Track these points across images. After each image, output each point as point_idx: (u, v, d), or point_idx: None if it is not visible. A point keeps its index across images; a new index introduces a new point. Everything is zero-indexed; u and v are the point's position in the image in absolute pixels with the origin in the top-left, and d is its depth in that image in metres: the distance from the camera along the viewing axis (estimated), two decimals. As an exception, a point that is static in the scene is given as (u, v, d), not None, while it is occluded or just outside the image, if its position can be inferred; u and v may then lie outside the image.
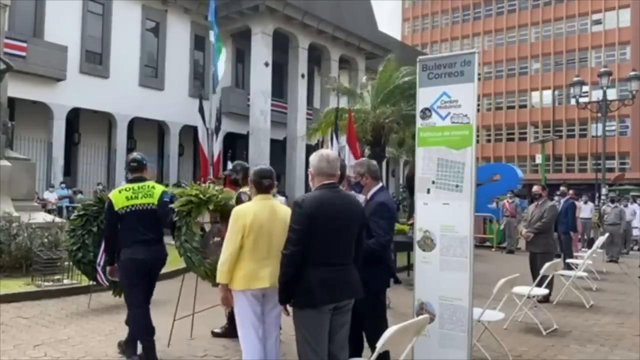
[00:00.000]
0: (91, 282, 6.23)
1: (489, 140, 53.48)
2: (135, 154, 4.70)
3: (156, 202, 4.36)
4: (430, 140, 3.92)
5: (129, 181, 4.53)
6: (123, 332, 5.25)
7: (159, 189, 4.48)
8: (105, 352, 4.62)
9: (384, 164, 20.86)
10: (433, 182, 3.87)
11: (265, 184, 3.40)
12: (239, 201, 4.77)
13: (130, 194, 4.33)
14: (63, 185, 17.72)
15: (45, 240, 7.62)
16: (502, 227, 15.54)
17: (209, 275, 4.60)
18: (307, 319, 2.93)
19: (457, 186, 3.76)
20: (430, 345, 3.76)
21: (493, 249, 14.93)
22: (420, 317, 3.14)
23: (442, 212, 3.81)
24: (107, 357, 4.52)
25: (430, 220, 3.87)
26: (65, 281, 6.95)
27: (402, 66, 16.78)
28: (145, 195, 4.35)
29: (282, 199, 9.38)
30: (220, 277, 3.27)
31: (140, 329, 4.25)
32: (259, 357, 3.28)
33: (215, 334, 5.30)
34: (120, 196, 4.31)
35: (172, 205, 4.54)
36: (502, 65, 53.83)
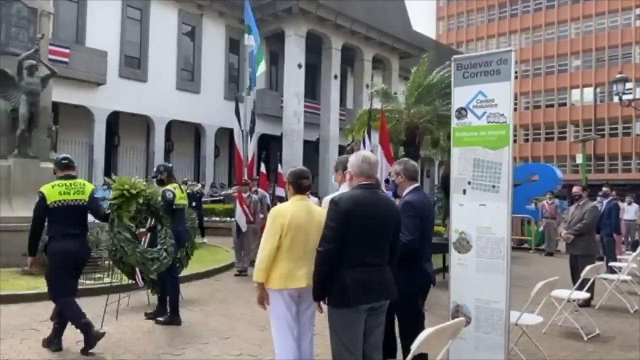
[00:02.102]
0: (130, 281, 6.40)
1: (526, 140, 52.22)
2: (64, 154, 5.05)
3: (87, 199, 4.65)
4: (466, 140, 3.87)
5: (59, 178, 4.74)
6: (161, 330, 5.39)
7: (90, 186, 4.78)
8: (144, 349, 4.73)
9: (418, 164, 20.65)
10: (469, 183, 3.82)
11: (304, 184, 3.44)
12: (164, 197, 5.64)
13: (63, 189, 4.57)
14: (105, 187, 18.25)
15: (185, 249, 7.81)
16: (541, 228, 15.16)
17: (140, 263, 5.15)
18: (342, 319, 2.93)
19: (493, 187, 3.70)
20: (466, 348, 3.70)
21: (531, 251, 14.57)
22: (456, 319, 3.10)
23: (479, 213, 3.75)
24: (146, 353, 4.63)
25: (466, 222, 3.81)
26: (106, 279, 7.14)
27: (437, 65, 16.57)
28: (77, 192, 4.62)
29: (315, 199, 9.43)
30: (257, 277, 3.30)
31: (76, 315, 4.46)
32: (293, 357, 3.30)
33: (158, 322, 5.64)
34: (54, 191, 4.54)
35: (107, 198, 4.95)
36: (540, 63, 52.48)
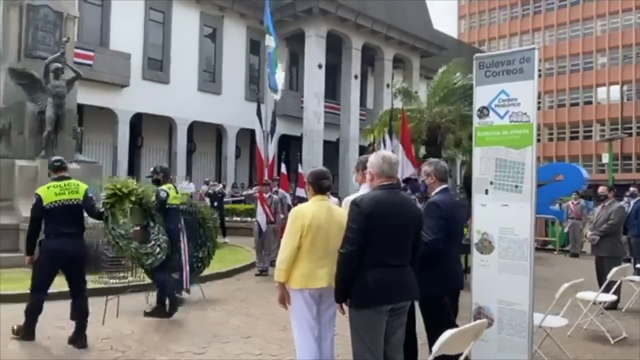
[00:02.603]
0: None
1: (551, 139, 51.34)
2: (57, 156, 5.29)
3: (81, 198, 4.85)
4: (488, 140, 3.82)
5: (53, 179, 4.92)
6: (184, 329, 5.46)
7: (83, 186, 4.96)
8: (167, 348, 4.80)
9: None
10: (491, 183, 3.77)
11: (324, 185, 3.45)
12: (158, 196, 5.96)
13: (58, 190, 4.77)
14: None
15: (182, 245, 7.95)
16: (566, 229, 14.87)
17: (135, 257, 5.53)
18: (363, 320, 2.93)
19: (516, 187, 3.65)
20: (488, 350, 3.66)
21: (555, 252, 14.32)
22: (479, 321, 3.07)
23: (501, 214, 3.70)
24: (169, 351, 4.69)
25: (489, 222, 3.77)
26: (130, 279, 7.27)
27: (459, 64, 16.41)
28: (72, 191, 4.83)
29: (335, 200, 9.42)
30: (278, 276, 3.32)
31: (36, 311, 4.70)
32: (314, 357, 3.30)
33: (146, 314, 5.83)
34: (49, 192, 4.74)
35: (102, 197, 5.33)
36: (564, 61, 51.55)
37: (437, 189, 3.81)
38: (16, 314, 4.95)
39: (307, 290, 3.29)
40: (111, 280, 6.98)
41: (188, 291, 6.67)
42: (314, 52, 22.10)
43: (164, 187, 6.18)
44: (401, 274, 2.99)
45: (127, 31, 19.05)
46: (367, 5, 22.83)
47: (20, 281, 6.07)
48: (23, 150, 9.79)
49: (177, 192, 6.41)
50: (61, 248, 4.64)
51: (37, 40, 10.24)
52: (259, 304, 6.80)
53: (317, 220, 3.28)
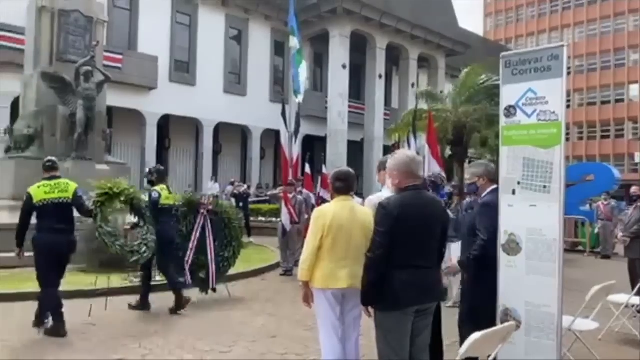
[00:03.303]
0: (180, 279, 6.58)
1: (580, 138, 50.17)
2: (49, 157, 5.58)
3: (71, 197, 5.13)
4: (515, 139, 3.76)
5: (44, 179, 5.20)
6: (210, 327, 5.52)
7: (73, 185, 5.23)
8: (193, 345, 4.87)
9: (466, 164, 20.24)
10: (518, 183, 3.71)
11: (336, 186, 3.45)
12: (150, 197, 6.19)
13: (48, 189, 5.07)
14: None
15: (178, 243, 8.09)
16: (597, 230, 14.51)
17: (119, 253, 5.74)
18: (389, 321, 2.92)
19: (544, 187, 3.58)
20: (516, 353, 3.60)
21: (586, 254, 13.98)
22: (506, 324, 3.03)
23: (529, 214, 3.63)
24: (195, 349, 4.76)
25: (516, 223, 3.70)
26: (158, 278, 7.37)
27: (482, 66, 16.18)
28: (62, 190, 5.11)
29: (359, 200, 9.39)
30: (301, 276, 3.35)
31: (53, 305, 4.98)
32: (338, 358, 3.31)
33: (131, 307, 6.12)
34: (39, 191, 5.04)
35: (91, 196, 5.61)
36: (595, 58, 50.28)
37: (488, 190, 3.87)
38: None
39: (329, 291, 3.30)
40: (136, 280, 7.10)
41: (214, 290, 6.76)
42: (338, 53, 22.10)
43: (156, 187, 6.34)
44: (427, 276, 2.99)
45: (154, 34, 19.39)
46: (391, 5, 22.72)
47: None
48: (55, 151, 10.01)
49: (170, 193, 6.55)
50: (52, 242, 4.97)
51: (68, 45, 10.51)
52: (284, 303, 6.84)
53: (339, 220, 3.29)
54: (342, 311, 3.38)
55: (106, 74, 10.64)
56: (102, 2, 12.67)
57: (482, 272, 3.63)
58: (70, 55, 10.42)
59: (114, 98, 14.85)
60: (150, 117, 19.54)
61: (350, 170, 3.62)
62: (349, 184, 3.49)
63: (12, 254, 5.26)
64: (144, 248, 5.88)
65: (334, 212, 3.33)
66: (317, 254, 3.29)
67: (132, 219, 6.12)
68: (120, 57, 17.95)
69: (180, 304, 6.02)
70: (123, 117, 18.45)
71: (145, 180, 6.77)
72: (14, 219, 5.75)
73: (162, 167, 7.07)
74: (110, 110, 14.42)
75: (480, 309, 3.69)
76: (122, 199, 5.78)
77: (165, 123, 20.84)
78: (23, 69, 11.43)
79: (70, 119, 10.08)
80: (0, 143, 11.41)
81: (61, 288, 5.22)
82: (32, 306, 5.22)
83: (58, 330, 4.95)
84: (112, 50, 17.17)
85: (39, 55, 10.46)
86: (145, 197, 6.24)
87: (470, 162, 14.08)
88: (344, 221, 3.30)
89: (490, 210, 3.69)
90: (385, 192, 3.67)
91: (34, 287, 5.39)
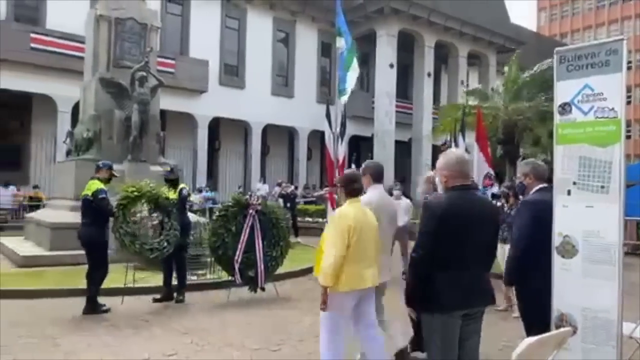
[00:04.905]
0: (230, 278, 6.73)
1: (642, 136, 47.60)
2: (102, 161, 6.34)
3: (90, 194, 5.73)
4: (570, 138, 3.61)
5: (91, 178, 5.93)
6: (260, 326, 5.61)
7: (95, 185, 5.79)
8: (242, 343, 4.95)
9: (518, 163, 19.65)
10: (574, 183, 3.56)
11: (360, 187, 3.46)
12: (180, 194, 6.50)
13: (85, 187, 5.78)
14: (207, 188, 19.39)
15: (191, 238, 8.37)
16: (660, 233, 13.73)
17: (138, 252, 6.05)
18: (436, 324, 2.87)
19: (602, 187, 3.42)
20: (571, 359, 3.46)
21: (649, 258, 13.26)
22: (562, 329, 2.92)
23: (585, 216, 3.48)
24: (245, 347, 4.84)
25: (571, 225, 3.56)
26: (209, 276, 7.57)
27: (541, 59, 15.66)
28: (87, 189, 5.81)
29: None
30: (326, 280, 3.31)
31: (102, 279, 5.84)
32: (338, 358, 3.39)
33: (155, 300, 6.45)
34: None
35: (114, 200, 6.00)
36: (659, 51, 47.59)
37: (536, 188, 3.74)
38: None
39: (356, 292, 3.32)
40: (192, 277, 7.31)
41: (263, 289, 6.85)
42: (385, 52, 21.95)
43: (183, 185, 6.79)
44: (476, 278, 2.90)
45: (205, 39, 19.92)
46: (439, 2, 22.36)
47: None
48: (112, 154, 10.47)
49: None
50: (79, 233, 5.78)
51: (124, 51, 10.95)
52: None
53: (359, 221, 3.34)
54: (360, 312, 3.44)
55: (159, 79, 11.00)
56: (155, 9, 13.13)
57: (518, 272, 3.49)
58: (126, 61, 10.85)
59: (167, 102, 15.34)
60: (201, 119, 20.07)
61: (357, 170, 3.79)
62: (362, 185, 3.60)
63: (76, 252, 5.62)
64: (165, 244, 6.20)
65: (354, 213, 3.37)
66: (345, 256, 3.28)
67: (156, 216, 6.45)
68: (172, 62, 18.55)
69: (166, 299, 6.46)
70: (175, 120, 19.04)
71: (166, 177, 6.94)
72: (76, 217, 6.12)
73: (180, 167, 7.79)
74: (163, 113, 14.88)
75: (527, 310, 3.60)
76: (143, 201, 6.19)
77: (216, 125, 21.35)
78: (82, 75, 12.02)
79: (126, 123, 10.48)
80: (61, 148, 12.00)
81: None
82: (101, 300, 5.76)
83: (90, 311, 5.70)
84: (164, 55, 17.75)
85: (97, 61, 10.95)
86: (173, 195, 6.52)
87: (523, 160, 13.68)
88: (362, 222, 3.36)
89: (526, 210, 3.58)
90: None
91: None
